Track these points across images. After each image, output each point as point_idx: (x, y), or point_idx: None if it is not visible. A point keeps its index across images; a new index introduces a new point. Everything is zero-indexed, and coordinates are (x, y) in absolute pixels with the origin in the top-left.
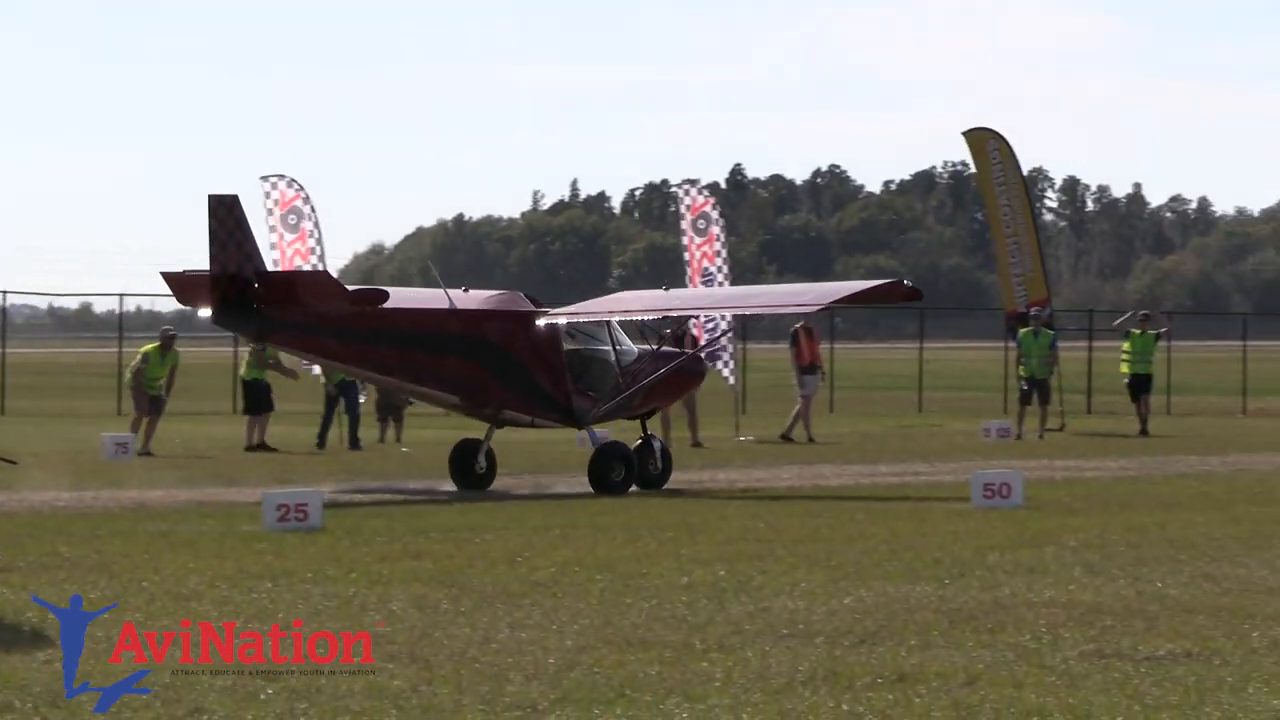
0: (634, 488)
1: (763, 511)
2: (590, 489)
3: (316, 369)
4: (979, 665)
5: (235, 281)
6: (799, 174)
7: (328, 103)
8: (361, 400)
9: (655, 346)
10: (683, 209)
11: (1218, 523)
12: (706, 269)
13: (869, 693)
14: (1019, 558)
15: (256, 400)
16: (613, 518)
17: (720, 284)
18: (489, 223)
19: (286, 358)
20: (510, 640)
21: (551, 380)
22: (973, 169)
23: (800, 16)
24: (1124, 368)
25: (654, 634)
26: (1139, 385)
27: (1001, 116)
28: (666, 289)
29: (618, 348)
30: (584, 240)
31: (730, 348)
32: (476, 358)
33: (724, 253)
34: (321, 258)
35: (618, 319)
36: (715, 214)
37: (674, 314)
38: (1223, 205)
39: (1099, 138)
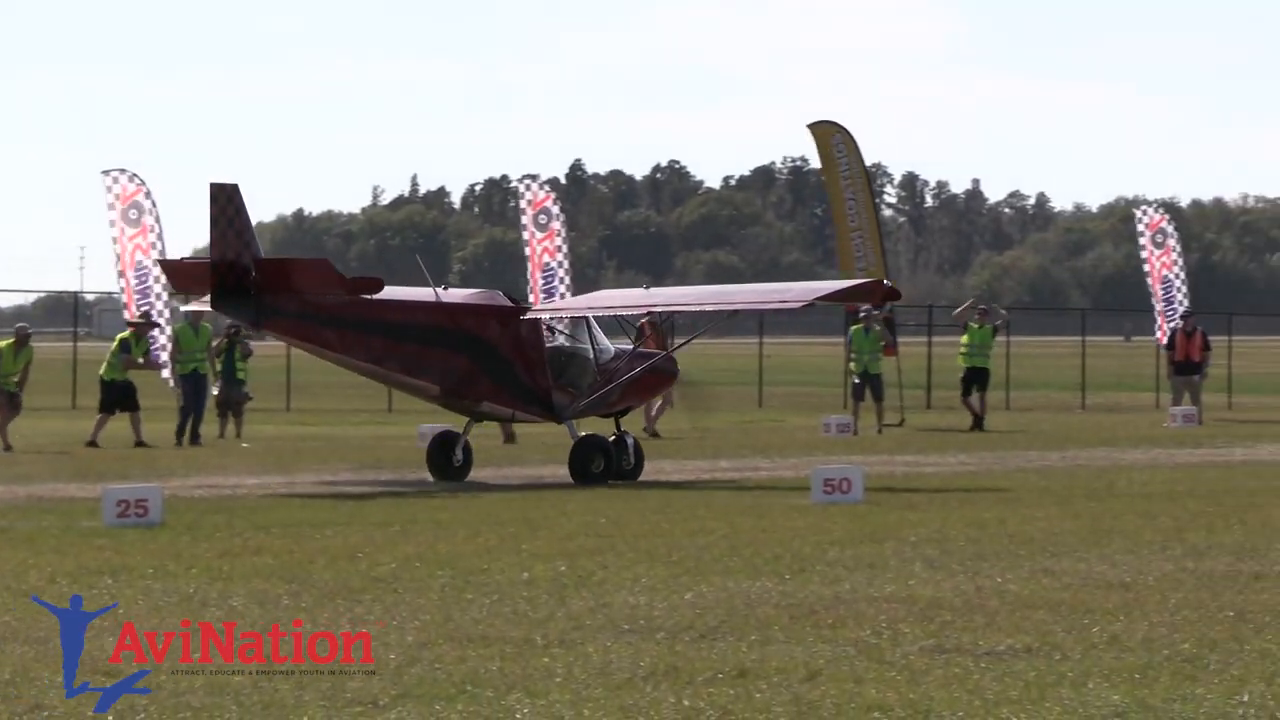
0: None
1: (603, 507)
2: (571, 479)
3: (166, 372)
4: (819, 660)
5: (234, 268)
6: (639, 169)
7: (168, 97)
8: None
9: (634, 345)
10: (524, 204)
11: (1057, 518)
12: (548, 264)
13: (710, 688)
14: (859, 553)
15: (116, 400)
16: (453, 513)
17: (561, 279)
18: (329, 218)
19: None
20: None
21: (534, 375)
22: (814, 164)
23: (638, 11)
24: (960, 360)
25: (495, 630)
26: (975, 379)
27: (840, 112)
28: (647, 288)
29: (596, 345)
30: (424, 236)
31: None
32: (464, 351)
33: (565, 248)
34: (162, 252)
35: (597, 316)
36: (556, 209)
37: (658, 311)
38: (1061, 201)
39: (938, 134)
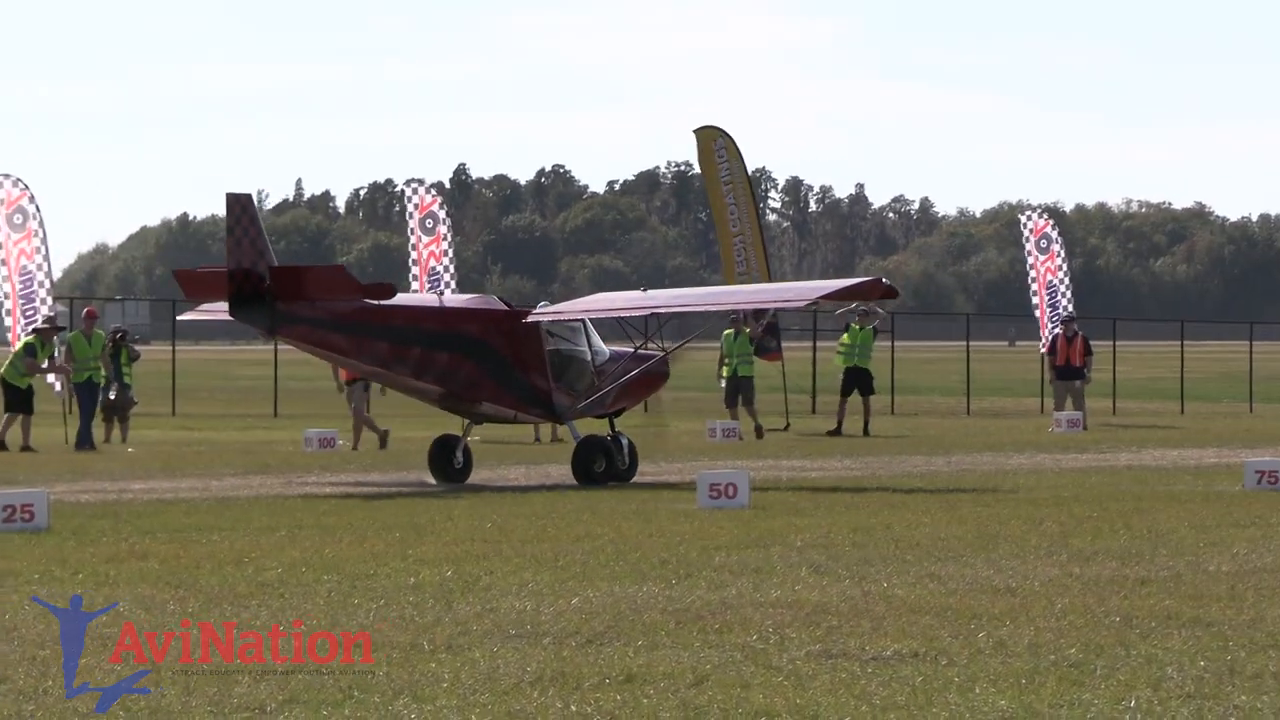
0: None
1: (489, 512)
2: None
3: (52, 378)
4: (706, 665)
5: (250, 276)
6: (523, 174)
7: (51, 101)
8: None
9: (634, 347)
10: (410, 208)
11: (943, 523)
12: (434, 268)
13: (596, 693)
14: (745, 558)
15: (18, 401)
16: (339, 518)
17: (447, 283)
18: (213, 222)
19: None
20: (238, 641)
21: (535, 377)
22: (697, 169)
23: (522, 14)
24: (839, 360)
25: (382, 634)
26: (856, 380)
27: (724, 117)
28: (645, 290)
29: (592, 347)
30: (309, 240)
31: None
32: (468, 354)
33: (450, 252)
34: (46, 257)
35: (599, 317)
36: (442, 214)
37: (661, 311)
38: (945, 206)
39: (821, 138)
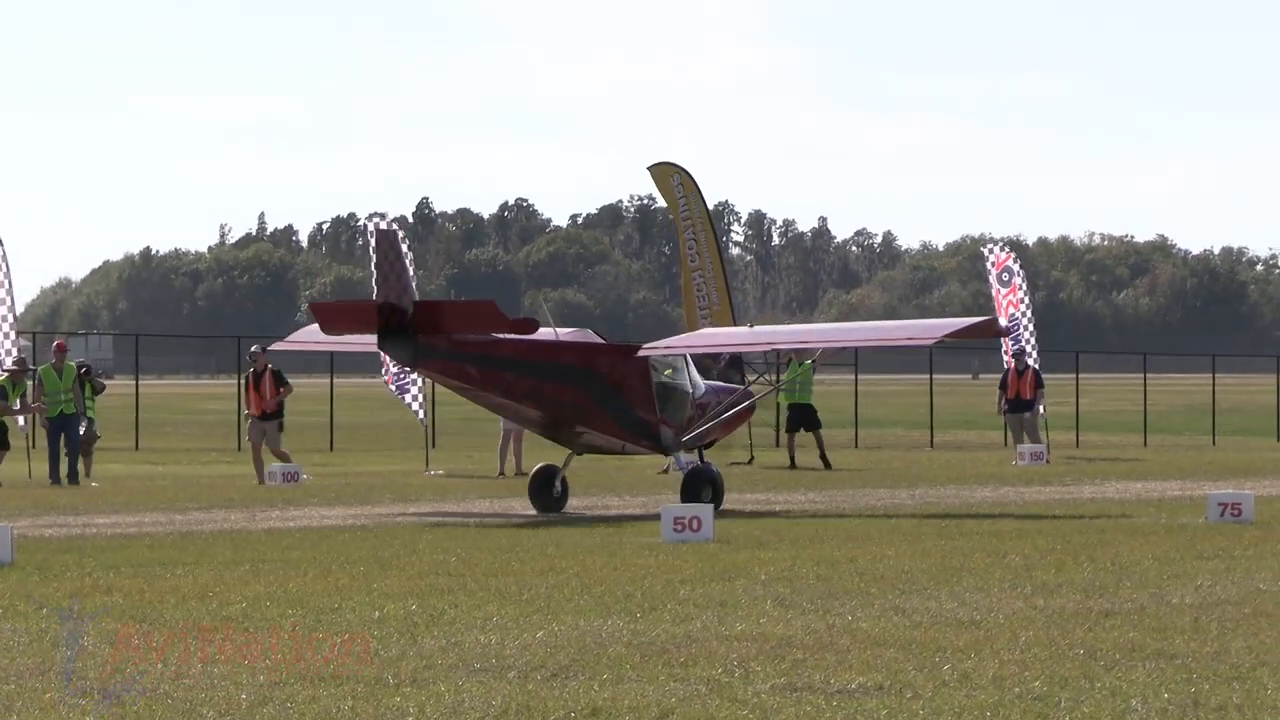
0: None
1: (454, 546)
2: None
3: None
4: (671, 699)
5: (396, 310)
6: (486, 207)
7: (12, 136)
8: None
9: (717, 381)
10: (373, 242)
11: (907, 556)
12: None
13: None
14: (710, 591)
15: None
16: (303, 552)
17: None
18: (176, 256)
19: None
20: (203, 676)
21: (645, 410)
22: (660, 202)
23: (485, 48)
24: (780, 397)
25: (346, 669)
26: (799, 415)
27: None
28: (751, 325)
29: (691, 381)
30: (271, 274)
31: (420, 381)
32: (587, 387)
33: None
34: (10, 291)
35: (726, 352)
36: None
37: (780, 348)
38: (907, 239)
39: (785, 172)
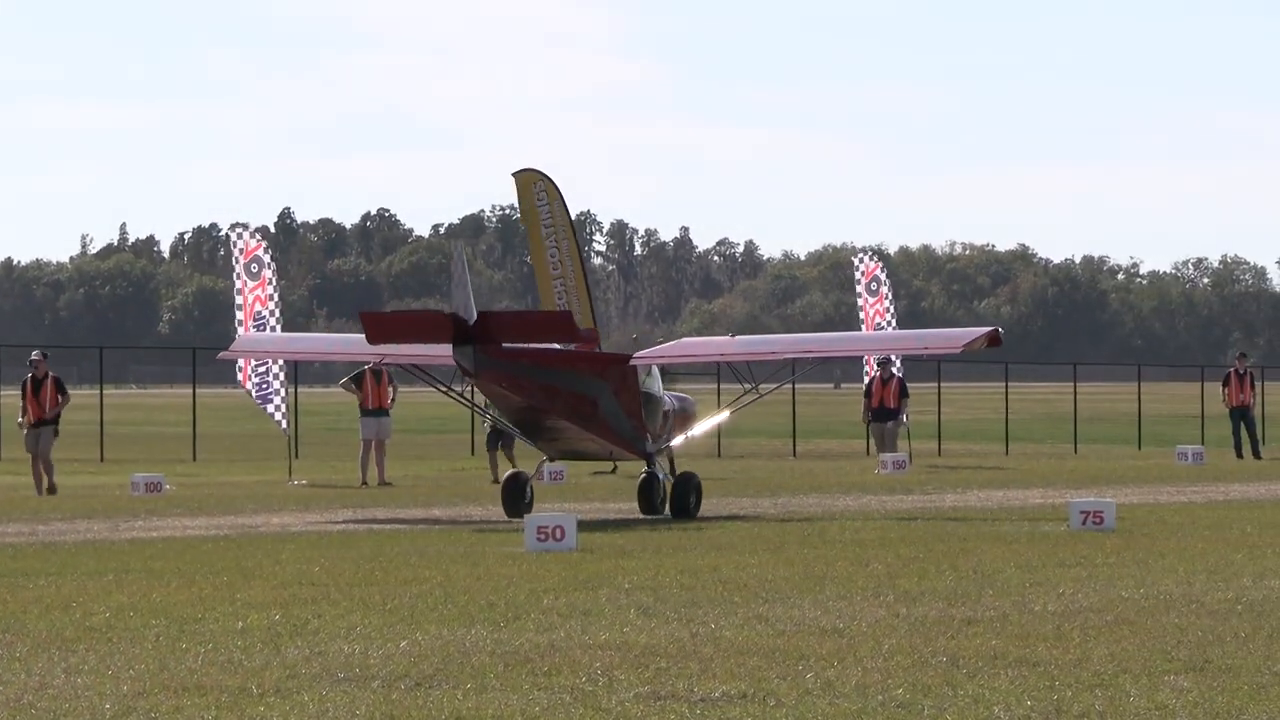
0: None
1: (317, 555)
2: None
3: None
4: (535, 708)
5: (459, 322)
6: (348, 218)
7: None
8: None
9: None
10: (236, 253)
11: (770, 564)
12: (259, 313)
13: None
14: (573, 600)
15: None
16: (167, 562)
17: (273, 328)
18: (37, 267)
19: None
20: (66, 686)
21: (636, 418)
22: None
23: (347, 56)
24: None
25: (210, 679)
26: None
27: (549, 160)
28: (732, 335)
29: (660, 389)
30: (134, 284)
31: (283, 391)
32: (599, 396)
33: (275, 296)
34: None
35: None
36: (267, 258)
37: (789, 357)
38: (769, 249)
39: (646, 182)
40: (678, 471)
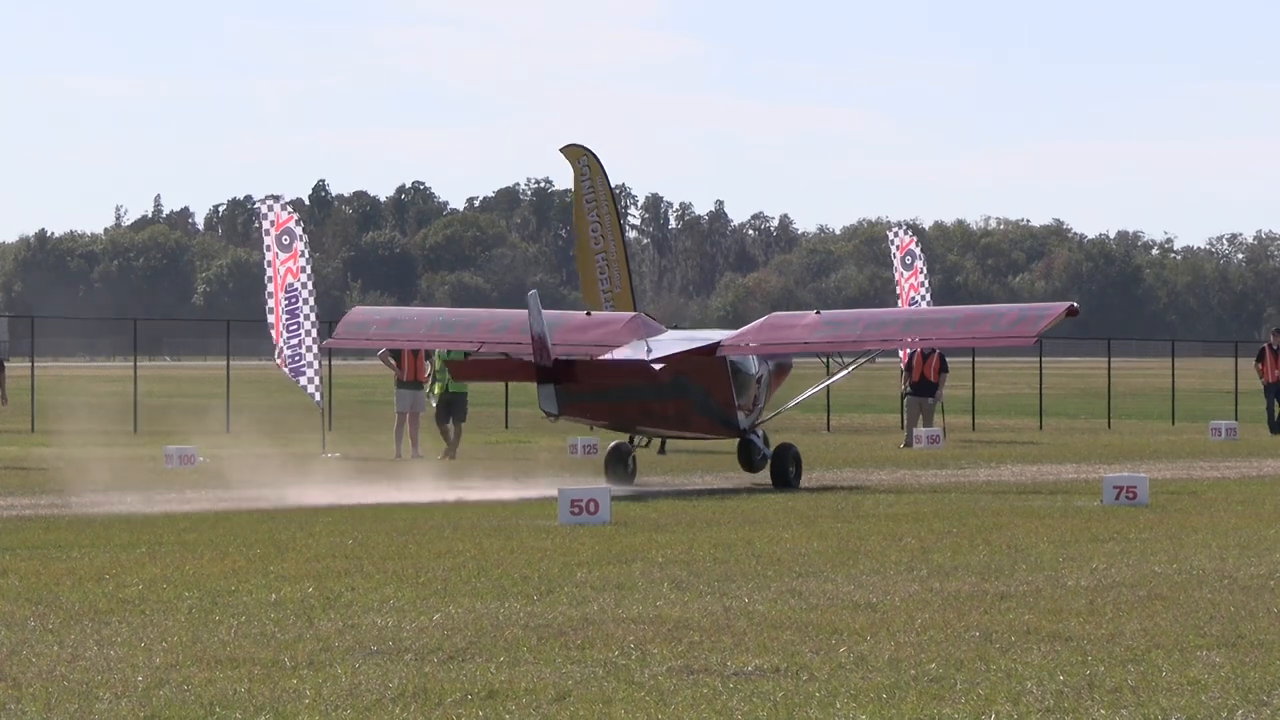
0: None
1: (350, 529)
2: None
3: None
4: (568, 681)
5: (542, 369)
6: (383, 190)
7: None
8: None
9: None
10: (266, 225)
11: (804, 539)
12: (291, 285)
13: (459, 709)
14: (607, 574)
15: None
16: (199, 534)
17: (305, 300)
18: (72, 239)
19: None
20: (99, 658)
21: (727, 403)
22: (558, 185)
23: (382, 29)
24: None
25: (243, 651)
26: None
27: (584, 133)
28: (818, 312)
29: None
30: (168, 256)
31: (316, 363)
32: (687, 397)
33: (308, 269)
34: None
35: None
36: (299, 230)
37: (868, 346)
38: (804, 223)
39: (681, 155)
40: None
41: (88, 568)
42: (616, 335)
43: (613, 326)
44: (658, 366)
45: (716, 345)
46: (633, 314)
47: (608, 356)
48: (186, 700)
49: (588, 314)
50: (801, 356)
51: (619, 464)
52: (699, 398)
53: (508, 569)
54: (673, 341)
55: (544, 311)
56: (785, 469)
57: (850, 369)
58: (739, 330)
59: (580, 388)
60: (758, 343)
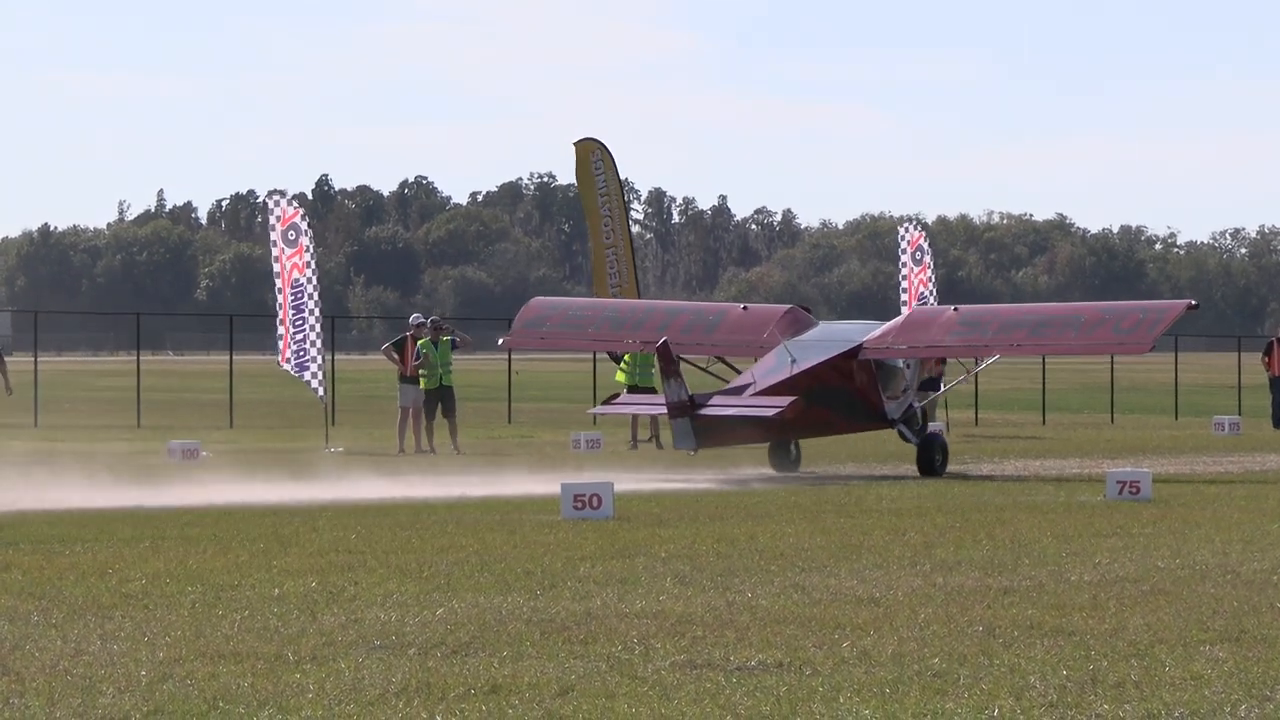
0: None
1: (353, 523)
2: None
3: None
4: (571, 676)
5: (678, 404)
6: (386, 185)
7: None
8: None
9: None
10: (273, 220)
11: (807, 533)
12: (296, 280)
13: (462, 704)
14: (610, 569)
15: None
16: (202, 529)
17: (310, 295)
18: (75, 233)
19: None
20: (102, 652)
21: (874, 397)
22: (560, 180)
23: (383, 24)
24: (620, 378)
25: (246, 646)
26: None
27: (587, 128)
28: (956, 309)
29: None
30: (171, 251)
31: (319, 358)
32: (832, 403)
33: (313, 264)
34: None
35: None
36: (304, 225)
37: (995, 350)
38: (807, 218)
39: (684, 150)
40: (931, 435)
41: (91, 562)
42: (768, 335)
43: (766, 325)
44: (773, 413)
45: (859, 348)
46: (787, 308)
47: (731, 408)
48: (190, 695)
49: (744, 309)
50: None
51: (782, 451)
52: (844, 401)
53: (511, 564)
54: (817, 346)
55: (704, 305)
56: (931, 457)
57: (982, 365)
58: (882, 328)
59: (715, 421)
60: (897, 344)
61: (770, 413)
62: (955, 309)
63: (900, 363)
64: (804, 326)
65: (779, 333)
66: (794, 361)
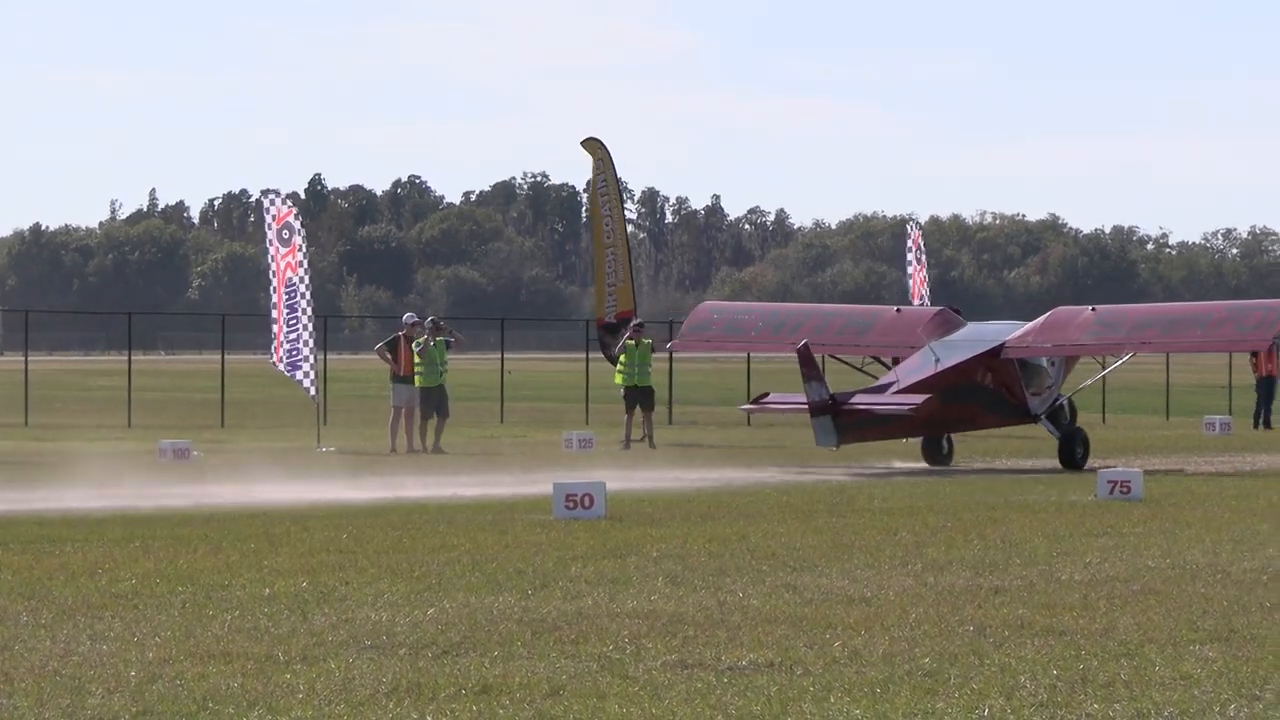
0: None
1: (344, 523)
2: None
3: None
4: (562, 676)
5: (821, 404)
6: (379, 184)
7: None
8: None
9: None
10: (268, 219)
11: (798, 533)
12: (290, 279)
13: (453, 704)
14: (601, 568)
15: None
16: (193, 529)
17: (303, 294)
18: (67, 232)
19: None
20: (92, 653)
21: (1017, 394)
22: (554, 179)
23: (376, 23)
24: (618, 379)
25: (236, 646)
26: (637, 397)
27: (581, 127)
28: (1094, 309)
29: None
30: (163, 250)
31: (311, 357)
32: (975, 400)
33: (306, 263)
34: None
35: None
36: (298, 224)
37: (1124, 347)
38: (800, 217)
39: (677, 150)
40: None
41: (81, 562)
42: (917, 336)
43: (917, 326)
44: (907, 409)
45: (1001, 347)
46: (938, 310)
47: (869, 405)
48: (179, 695)
49: (897, 311)
50: None
51: (934, 446)
52: (987, 397)
53: (502, 563)
54: (961, 345)
55: (858, 308)
56: (1073, 450)
57: (1118, 363)
58: (1024, 328)
59: (857, 417)
60: (1039, 344)
61: (905, 409)
62: (1093, 309)
63: (1044, 361)
64: (953, 327)
65: (928, 334)
66: (938, 361)
